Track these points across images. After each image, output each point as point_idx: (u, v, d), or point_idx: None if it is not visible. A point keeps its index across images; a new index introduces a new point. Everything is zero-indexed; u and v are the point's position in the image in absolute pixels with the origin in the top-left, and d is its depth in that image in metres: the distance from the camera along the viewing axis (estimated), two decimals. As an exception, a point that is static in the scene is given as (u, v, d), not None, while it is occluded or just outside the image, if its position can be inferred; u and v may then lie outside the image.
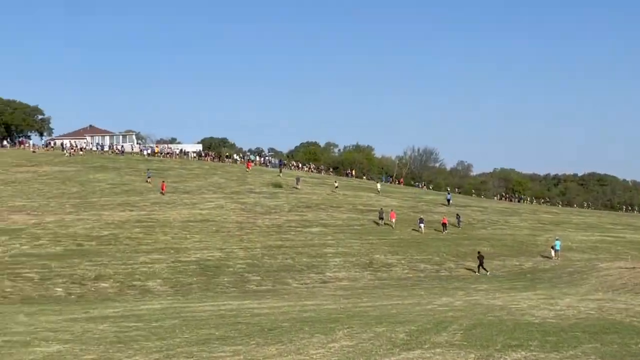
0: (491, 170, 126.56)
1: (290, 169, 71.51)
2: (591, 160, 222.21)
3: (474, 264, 31.18)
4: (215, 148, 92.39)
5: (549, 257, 34.56)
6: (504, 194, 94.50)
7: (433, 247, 35.03)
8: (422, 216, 41.26)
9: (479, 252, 31.20)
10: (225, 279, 26.24)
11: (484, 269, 30.00)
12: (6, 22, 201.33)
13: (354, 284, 26.78)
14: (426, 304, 17.89)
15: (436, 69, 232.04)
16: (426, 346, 9.47)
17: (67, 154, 59.12)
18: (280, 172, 60.47)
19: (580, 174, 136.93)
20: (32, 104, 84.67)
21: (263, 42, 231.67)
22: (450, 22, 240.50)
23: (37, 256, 26.98)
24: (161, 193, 43.00)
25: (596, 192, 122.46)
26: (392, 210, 41.87)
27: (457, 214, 43.68)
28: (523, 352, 8.94)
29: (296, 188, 50.71)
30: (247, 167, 61.06)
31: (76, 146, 63.89)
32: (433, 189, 79.36)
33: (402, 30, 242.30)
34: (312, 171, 76.42)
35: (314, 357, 8.78)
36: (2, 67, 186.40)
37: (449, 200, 52.76)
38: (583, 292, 22.27)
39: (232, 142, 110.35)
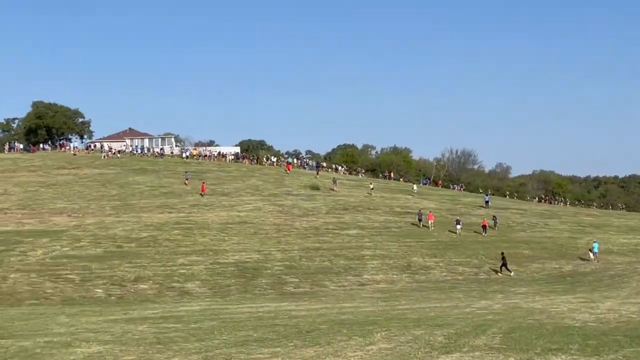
0: (530, 173, 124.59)
1: (328, 171, 71.37)
2: (633, 162, 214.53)
3: (513, 267, 30.71)
4: (253, 150, 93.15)
5: (588, 260, 33.98)
6: (543, 196, 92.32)
7: (471, 249, 34.65)
8: (459, 218, 40.86)
9: (502, 253, 30.94)
10: (263, 281, 26.11)
11: (508, 269, 29.80)
12: (47, 27, 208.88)
13: (392, 287, 26.59)
14: (465, 307, 17.68)
15: (477, 71, 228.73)
16: (465, 349, 9.33)
17: (103, 156, 60.38)
18: (317, 174, 60.45)
19: (621, 176, 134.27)
20: (72, 107, 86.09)
21: (301, 44, 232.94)
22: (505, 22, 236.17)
23: (78, 258, 27.37)
24: (201, 195, 43.40)
25: (637, 194, 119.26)
26: (430, 212, 41.53)
27: (494, 216, 42.94)
28: (563, 356, 8.76)
29: (333, 190, 50.74)
30: (288, 170, 61.31)
31: (109, 149, 64.77)
32: (471, 191, 78.00)
33: (445, 30, 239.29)
34: (348, 173, 76.16)
35: (352, 359, 8.68)
36: (44, 70, 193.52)
37: (487, 202, 52.13)
38: (624, 295, 21.89)
39: (270, 145, 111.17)
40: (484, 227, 39.13)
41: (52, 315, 17.22)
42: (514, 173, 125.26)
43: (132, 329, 13.21)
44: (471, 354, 8.85)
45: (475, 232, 39.29)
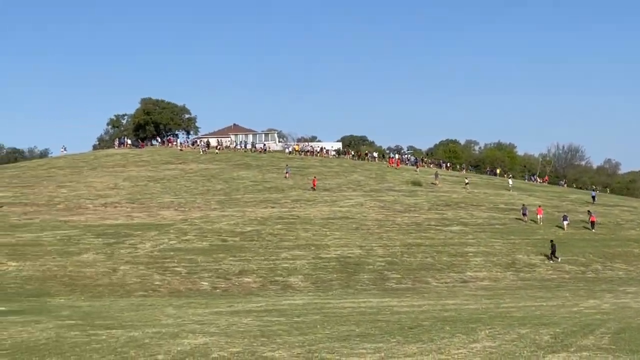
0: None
1: (429, 167, 69.55)
2: None
3: (623, 266, 29.81)
4: (355, 146, 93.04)
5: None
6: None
7: (578, 247, 32.90)
8: (566, 213, 39.30)
9: (551, 241, 30.65)
10: (365, 276, 25.68)
11: (556, 257, 29.59)
12: (156, 27, 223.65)
13: (496, 284, 26.04)
14: (571, 306, 17.17)
15: (583, 64, 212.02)
16: (572, 349, 9.00)
17: (202, 151, 62.53)
18: (417, 169, 59.26)
19: None
20: (179, 103, 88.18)
21: (407, 43, 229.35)
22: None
23: (185, 251, 28.33)
24: (312, 189, 44.07)
25: None
26: (539, 206, 40.25)
27: (588, 210, 40.44)
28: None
29: (434, 184, 49.52)
30: (396, 165, 61.46)
31: (206, 146, 65.63)
32: (580, 188, 73.09)
33: (548, 23, 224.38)
34: (451, 169, 73.82)
35: (456, 357, 8.47)
36: (152, 69, 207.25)
37: (593, 198, 50.03)
38: None
39: (371, 140, 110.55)
40: (592, 222, 37.32)
41: (160, 306, 17.84)
42: (623, 169, 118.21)
43: (237, 321, 13.30)
44: (578, 354, 8.52)
45: (584, 227, 37.52)
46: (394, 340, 10.00)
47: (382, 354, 8.58)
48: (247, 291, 23.07)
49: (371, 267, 26.95)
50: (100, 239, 29.32)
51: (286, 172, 48.82)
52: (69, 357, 8.66)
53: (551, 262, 29.52)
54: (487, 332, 10.89)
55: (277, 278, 24.95)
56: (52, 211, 36.35)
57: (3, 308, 16.23)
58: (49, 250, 26.89)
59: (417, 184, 49.35)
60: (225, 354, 8.67)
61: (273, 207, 38.48)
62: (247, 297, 21.02)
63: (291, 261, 27.24)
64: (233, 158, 59.68)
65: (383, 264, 27.50)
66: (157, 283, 23.67)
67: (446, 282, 25.70)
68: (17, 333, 11.22)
